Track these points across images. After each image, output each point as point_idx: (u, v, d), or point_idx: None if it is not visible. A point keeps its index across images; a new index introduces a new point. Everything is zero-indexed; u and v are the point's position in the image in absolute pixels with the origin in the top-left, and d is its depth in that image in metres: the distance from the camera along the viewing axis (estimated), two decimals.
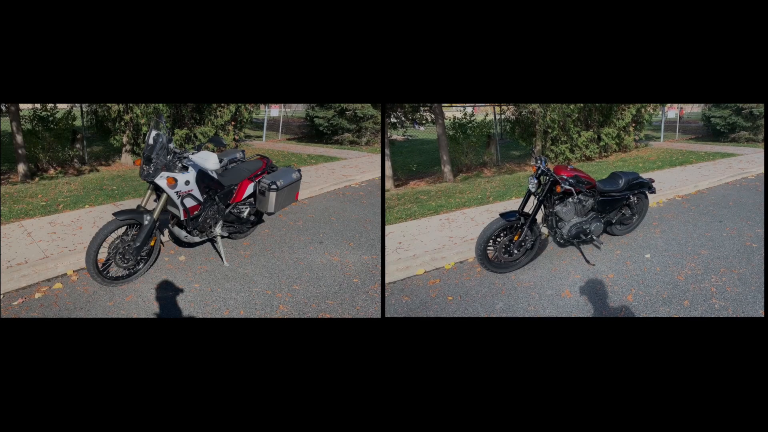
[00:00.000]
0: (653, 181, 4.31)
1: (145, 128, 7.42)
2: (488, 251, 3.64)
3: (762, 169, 7.33)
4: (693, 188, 6.26)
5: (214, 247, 3.99)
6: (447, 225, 5.04)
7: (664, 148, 10.62)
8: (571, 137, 8.82)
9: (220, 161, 3.94)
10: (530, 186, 3.63)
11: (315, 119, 12.20)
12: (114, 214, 3.22)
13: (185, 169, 3.34)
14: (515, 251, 3.67)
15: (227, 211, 3.91)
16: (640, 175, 4.27)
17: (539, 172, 3.60)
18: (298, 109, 15.39)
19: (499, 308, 3.20)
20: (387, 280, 3.76)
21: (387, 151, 7.62)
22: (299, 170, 4.26)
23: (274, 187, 3.87)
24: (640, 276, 3.51)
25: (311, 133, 12.99)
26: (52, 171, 7.24)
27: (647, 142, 11.47)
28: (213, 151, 3.69)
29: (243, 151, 4.24)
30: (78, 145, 7.75)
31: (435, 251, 4.21)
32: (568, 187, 3.53)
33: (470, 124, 8.59)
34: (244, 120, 10.03)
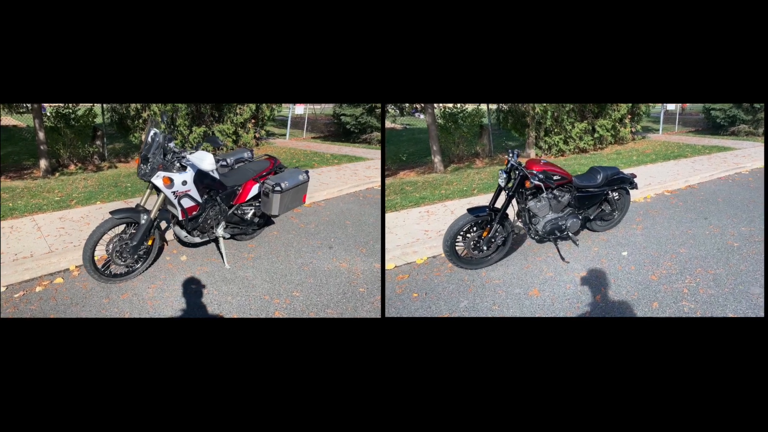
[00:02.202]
0: (635, 177, 4.12)
1: (162, 125, 7.42)
2: (457, 247, 3.50)
3: (757, 164, 7.09)
4: (683, 183, 6.05)
5: (218, 248, 3.83)
6: (426, 218, 4.89)
7: (662, 140, 10.34)
8: (565, 128, 8.57)
9: (226, 161, 3.82)
10: (500, 181, 3.47)
11: (342, 117, 11.40)
12: (111, 212, 3.14)
13: (183, 168, 3.22)
14: (485, 247, 3.52)
15: (230, 212, 3.74)
16: (622, 170, 4.08)
17: (509, 166, 3.43)
18: (326, 107, 14.59)
19: (462, 307, 3.07)
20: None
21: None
22: (307, 172, 4.05)
23: (278, 188, 3.67)
24: (613, 275, 3.35)
25: (338, 131, 12.11)
26: (72, 167, 7.23)
27: (645, 134, 11.19)
28: (212, 150, 3.57)
29: (251, 151, 4.08)
30: (98, 142, 7.72)
31: (407, 245, 4.07)
32: (537, 182, 3.36)
33: (461, 114, 8.37)
34: (266, 118, 9.64)
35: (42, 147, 6.74)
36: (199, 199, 3.37)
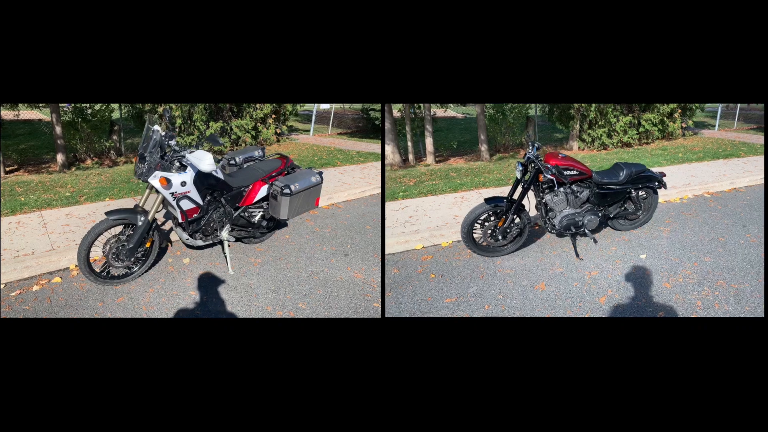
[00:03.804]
0: (664, 175, 3.66)
1: (179, 120, 6.79)
2: (475, 235, 3.33)
3: None
4: (728, 185, 5.33)
5: (222, 252, 3.40)
6: (459, 203, 4.73)
7: (716, 137, 9.17)
8: (609, 122, 7.79)
9: (234, 159, 3.43)
10: (517, 173, 3.24)
11: (371, 112, 10.28)
12: (106, 213, 2.82)
13: (183, 168, 2.85)
14: (500, 237, 3.32)
15: (236, 214, 3.31)
16: (650, 168, 3.64)
17: (526, 158, 3.16)
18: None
19: (471, 292, 2.94)
20: (387, 251, 3.56)
21: (429, 127, 7.20)
22: (321, 173, 3.53)
23: (287, 191, 3.18)
24: (625, 278, 3.06)
25: (366, 127, 10.82)
26: (88, 161, 6.78)
27: (697, 130, 9.93)
28: (226, 149, 3.27)
29: (262, 149, 3.62)
30: (115, 137, 7.20)
31: (436, 228, 3.98)
32: (550, 176, 3.06)
33: (508, 105, 7.85)
34: (288, 113, 8.77)
35: (59, 141, 6.30)
36: (200, 201, 2.99)
